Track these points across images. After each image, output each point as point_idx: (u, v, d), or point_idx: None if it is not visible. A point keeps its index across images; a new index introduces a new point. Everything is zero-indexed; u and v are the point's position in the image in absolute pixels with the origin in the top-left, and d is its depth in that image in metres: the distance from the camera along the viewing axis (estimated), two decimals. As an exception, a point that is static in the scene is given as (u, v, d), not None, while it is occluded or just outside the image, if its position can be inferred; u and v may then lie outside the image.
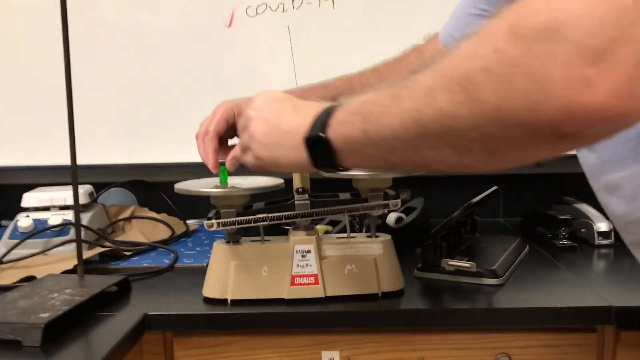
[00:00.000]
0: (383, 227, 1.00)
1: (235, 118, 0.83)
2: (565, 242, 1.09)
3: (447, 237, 0.95)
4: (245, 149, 0.70)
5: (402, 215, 1.09)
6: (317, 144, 0.59)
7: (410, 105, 0.49)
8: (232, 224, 0.80)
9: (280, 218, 0.80)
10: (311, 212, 0.81)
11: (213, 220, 0.80)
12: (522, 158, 0.46)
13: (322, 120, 0.59)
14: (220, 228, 0.80)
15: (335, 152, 0.58)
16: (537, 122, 0.40)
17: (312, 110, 0.62)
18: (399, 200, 0.81)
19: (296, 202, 0.82)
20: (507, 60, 0.40)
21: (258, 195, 0.83)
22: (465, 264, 0.88)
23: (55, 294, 0.79)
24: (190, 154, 1.33)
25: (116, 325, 0.76)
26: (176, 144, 1.35)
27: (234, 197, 0.81)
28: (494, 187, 1.04)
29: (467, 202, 0.98)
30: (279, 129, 0.65)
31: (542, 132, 0.41)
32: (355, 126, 0.55)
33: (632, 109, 0.39)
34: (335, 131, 0.58)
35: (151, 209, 1.28)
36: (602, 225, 1.10)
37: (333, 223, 1.09)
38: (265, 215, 0.80)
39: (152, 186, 1.37)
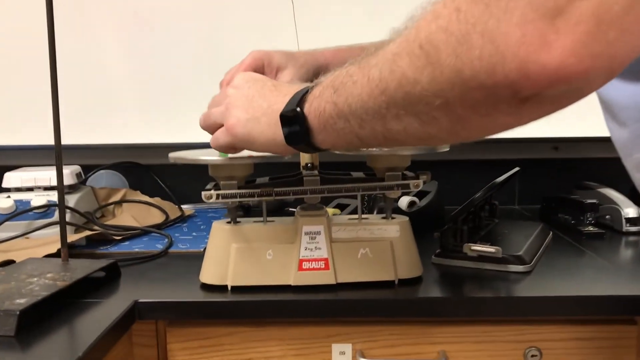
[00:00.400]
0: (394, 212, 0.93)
1: (265, 68, 0.80)
2: (591, 228, 1.01)
3: (467, 221, 0.87)
4: (217, 127, 0.67)
5: (415, 199, 1.01)
6: (292, 119, 0.58)
7: (377, 73, 0.48)
8: (234, 196, 0.71)
9: (287, 193, 0.72)
10: (322, 188, 0.73)
11: (212, 191, 0.71)
12: (488, 126, 0.45)
13: (299, 96, 0.58)
14: (220, 201, 0.71)
15: (309, 129, 0.57)
16: (495, 85, 0.39)
17: (292, 89, 0.61)
18: (420, 180, 0.73)
19: (305, 178, 0.74)
20: (465, 18, 0.40)
21: (262, 170, 0.75)
22: (490, 249, 0.79)
23: (35, 279, 0.71)
24: (187, 134, 1.26)
25: (102, 314, 0.68)
26: (172, 123, 1.27)
27: (235, 167, 0.73)
28: (516, 168, 0.96)
29: (488, 184, 0.90)
30: (257, 104, 0.63)
31: (502, 95, 0.40)
32: (327, 99, 0.54)
33: (590, 68, 0.37)
34: (310, 106, 0.57)
35: (144, 193, 1.19)
36: (630, 211, 1.02)
37: (341, 207, 1.01)
38: (270, 189, 0.72)
39: (145, 169, 1.29)
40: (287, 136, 0.59)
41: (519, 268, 0.81)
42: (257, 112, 0.63)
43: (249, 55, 0.81)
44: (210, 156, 0.73)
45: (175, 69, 1.27)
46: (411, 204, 1.02)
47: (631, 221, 1.02)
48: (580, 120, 1.23)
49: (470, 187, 1.19)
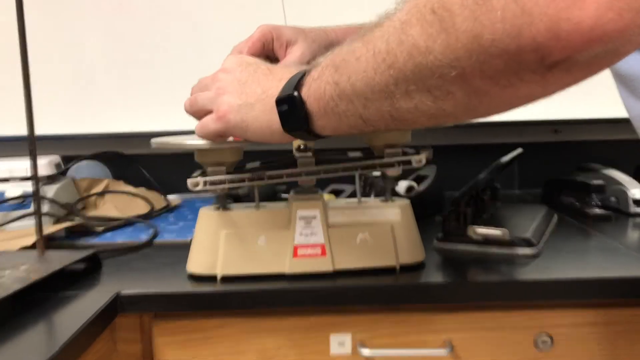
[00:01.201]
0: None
1: (274, 43, 0.74)
2: (597, 210, 0.97)
3: (470, 204, 0.82)
4: (205, 113, 0.62)
5: (414, 183, 0.97)
6: (289, 104, 0.54)
7: (383, 46, 0.44)
8: (222, 182, 0.66)
9: (280, 176, 0.67)
10: (317, 169, 0.68)
11: (199, 178, 0.66)
12: (509, 98, 0.40)
13: (296, 79, 0.54)
14: (208, 188, 0.66)
15: (308, 114, 0.53)
16: (520, 50, 0.35)
17: (287, 73, 0.57)
18: (423, 156, 0.68)
19: (298, 159, 0.69)
20: None
21: (250, 156, 0.70)
22: (496, 232, 0.75)
23: (7, 271, 0.65)
24: (172, 122, 1.21)
25: (82, 308, 0.62)
26: (156, 111, 1.22)
27: (224, 152, 0.67)
28: (519, 150, 0.91)
29: (491, 165, 0.85)
30: (250, 89, 0.59)
31: (527, 61, 0.36)
32: (328, 80, 0.50)
33: (631, 24, 0.33)
34: (308, 89, 0.53)
35: (127, 184, 1.13)
36: (637, 192, 0.98)
37: (336, 193, 0.96)
38: (262, 172, 0.66)
39: (128, 158, 1.23)
40: (284, 123, 0.55)
41: (527, 251, 0.77)
42: (251, 98, 0.59)
43: (257, 30, 0.75)
44: (195, 141, 0.68)
45: (158, 54, 1.21)
46: (409, 188, 0.97)
47: (638, 202, 0.98)
48: (580, 101, 1.19)
49: (468, 171, 1.14)
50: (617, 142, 1.24)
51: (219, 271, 0.69)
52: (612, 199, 1.02)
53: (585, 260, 0.76)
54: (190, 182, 0.65)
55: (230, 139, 0.64)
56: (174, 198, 1.16)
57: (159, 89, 1.21)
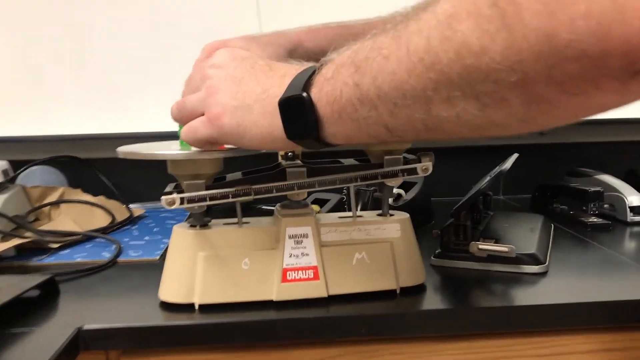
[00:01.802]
0: (373, 205, 0.82)
1: None
2: (595, 219, 0.91)
3: (469, 216, 0.75)
4: (194, 117, 0.54)
5: (401, 191, 0.89)
6: (295, 107, 0.46)
7: (421, 43, 0.36)
8: (202, 199, 0.57)
9: (269, 191, 0.58)
10: (311, 181, 0.60)
11: (175, 195, 0.57)
12: (578, 109, 0.34)
13: (304, 78, 0.47)
14: (186, 206, 0.57)
15: (318, 119, 0.46)
16: (604, 53, 0.29)
17: (292, 69, 0.50)
18: (429, 163, 0.61)
19: (288, 170, 0.60)
20: None
21: (230, 164, 0.62)
22: (501, 248, 0.68)
23: (-54, 305, 0.55)
24: (138, 123, 1.11)
25: (37, 347, 0.53)
26: (117, 109, 1.11)
27: (202, 163, 0.58)
28: (515, 154, 0.85)
29: (496, 170, 0.79)
30: (248, 88, 0.51)
31: (611, 67, 0.29)
32: (346, 80, 0.43)
33: None
34: (320, 90, 0.45)
35: (85, 191, 1.03)
36: (634, 199, 0.93)
37: (320, 202, 0.88)
38: (247, 186, 0.58)
39: (85, 163, 1.12)
40: (289, 129, 0.47)
41: (534, 269, 0.70)
42: (249, 99, 0.50)
43: (202, 52, 0.66)
44: (168, 150, 0.59)
45: (119, 45, 1.11)
46: (397, 197, 0.90)
47: (635, 210, 0.93)
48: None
49: (454, 176, 1.08)
50: (605, 145, 1.20)
51: (197, 299, 0.60)
52: (606, 206, 0.97)
53: (597, 279, 0.70)
54: (165, 200, 0.56)
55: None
56: (136, 207, 1.06)
57: (120, 85, 1.11)
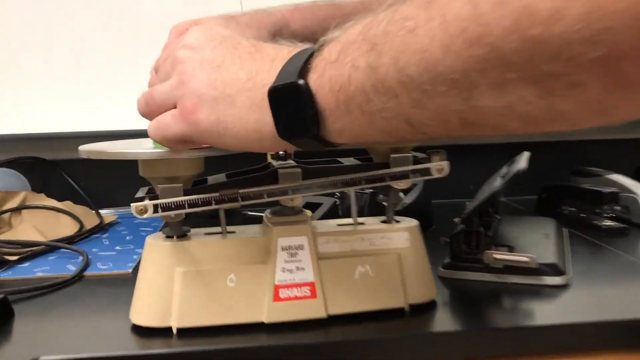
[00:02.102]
0: (371, 208, 0.74)
1: None
2: (610, 222, 0.84)
3: (481, 222, 0.67)
4: (166, 108, 0.44)
5: (400, 193, 0.81)
6: (289, 98, 0.37)
7: (464, 9, 0.28)
8: (180, 206, 0.49)
9: (259, 195, 0.50)
10: (307, 184, 0.51)
11: (147, 202, 0.48)
12: None
13: (300, 62, 0.38)
14: (161, 214, 0.49)
15: (318, 113, 0.37)
16: None
17: (283, 51, 0.41)
18: (445, 163, 0.53)
19: (280, 171, 0.52)
20: None
21: (212, 164, 0.53)
22: (521, 258, 0.61)
23: None
24: (106, 120, 1.01)
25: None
26: (85, 106, 1.02)
27: (180, 163, 0.50)
28: (527, 153, 0.77)
29: (508, 170, 0.71)
30: (229, 75, 0.42)
31: None
32: (356, 63, 0.34)
33: None
34: (321, 76, 0.37)
35: (50, 196, 0.93)
36: (650, 201, 0.86)
37: (311, 207, 0.80)
38: (233, 191, 0.49)
39: (50, 165, 1.02)
40: (281, 125, 0.39)
41: (556, 280, 0.62)
42: (230, 88, 0.41)
43: (171, 33, 0.58)
44: (139, 148, 0.50)
45: (85, 35, 1.01)
46: (395, 200, 0.82)
47: (651, 212, 0.86)
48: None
49: (448, 177, 1.01)
50: (611, 142, 1.14)
51: (175, 322, 0.51)
52: (618, 207, 0.89)
53: (625, 290, 0.62)
54: (135, 207, 0.48)
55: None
56: (108, 213, 0.97)
57: (91, 78, 1.01)
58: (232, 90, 0.41)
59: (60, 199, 0.93)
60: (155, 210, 0.48)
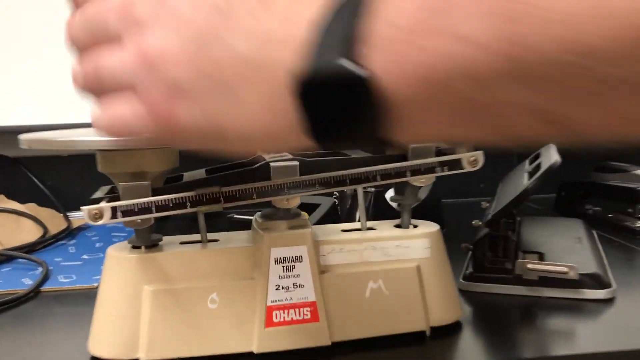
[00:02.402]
0: (376, 210, 0.65)
1: None
2: (643, 224, 0.75)
3: (509, 226, 0.58)
4: (117, 88, 0.30)
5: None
6: (332, 90, 0.23)
7: None
8: (145, 209, 0.38)
9: (246, 195, 0.40)
10: (307, 180, 0.41)
11: (104, 204, 0.38)
12: None
13: (344, 27, 0.23)
14: (122, 220, 0.38)
15: (381, 109, 0.23)
16: None
17: (304, 6, 0.25)
18: (479, 152, 0.43)
19: (272, 165, 0.42)
20: None
21: (189, 157, 0.43)
22: (560, 268, 0.51)
23: None
24: (76, 113, 0.91)
25: None
26: (54, 96, 0.91)
27: (147, 156, 0.39)
28: (553, 145, 0.68)
29: (539, 165, 0.61)
30: (225, 50, 0.26)
31: None
32: (459, 31, 0.21)
33: None
34: (388, 53, 0.22)
35: (11, 197, 0.83)
36: (685, 199, 0.77)
37: (308, 208, 0.70)
38: (215, 189, 0.39)
39: (12, 163, 0.91)
40: (318, 127, 0.25)
41: (599, 294, 0.53)
42: (226, 69, 0.27)
43: None
44: (94, 136, 0.39)
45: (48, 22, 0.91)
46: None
47: (686, 212, 0.77)
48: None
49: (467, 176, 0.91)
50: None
51: (143, 355, 0.41)
52: (646, 207, 0.80)
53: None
54: (88, 211, 0.37)
55: None
56: (78, 217, 0.86)
57: (51, 65, 0.91)
58: (229, 72, 0.27)
59: (23, 201, 0.83)
60: (114, 214, 0.38)
